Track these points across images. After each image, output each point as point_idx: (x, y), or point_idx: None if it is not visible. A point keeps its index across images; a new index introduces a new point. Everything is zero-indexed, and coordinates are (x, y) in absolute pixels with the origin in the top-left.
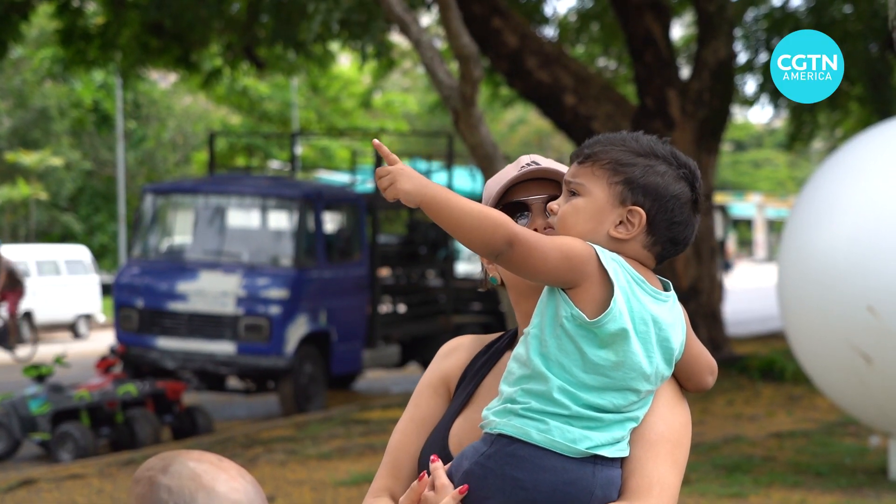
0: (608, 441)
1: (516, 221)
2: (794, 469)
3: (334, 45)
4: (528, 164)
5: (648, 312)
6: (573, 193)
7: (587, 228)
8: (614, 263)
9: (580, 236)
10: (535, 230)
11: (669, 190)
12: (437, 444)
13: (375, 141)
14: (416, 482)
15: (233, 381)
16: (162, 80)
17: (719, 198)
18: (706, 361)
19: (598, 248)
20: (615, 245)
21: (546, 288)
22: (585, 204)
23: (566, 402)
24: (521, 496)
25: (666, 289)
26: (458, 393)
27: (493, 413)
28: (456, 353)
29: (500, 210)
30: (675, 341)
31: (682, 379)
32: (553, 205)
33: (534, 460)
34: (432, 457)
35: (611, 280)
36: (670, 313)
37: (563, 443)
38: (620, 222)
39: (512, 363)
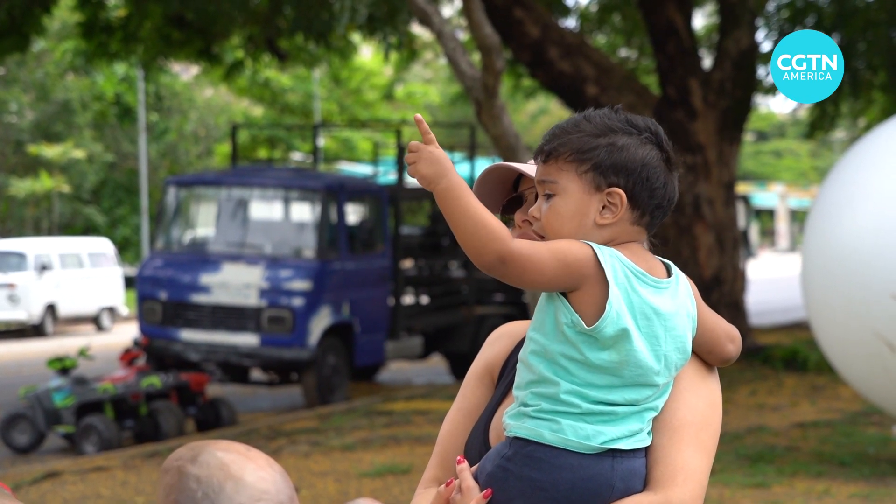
0: (624, 434)
1: (515, 214)
2: (817, 459)
3: (356, 37)
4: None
5: (649, 305)
6: (548, 195)
7: (573, 225)
8: (612, 259)
9: (570, 235)
10: (526, 220)
11: (638, 159)
12: (477, 436)
13: (417, 116)
14: (442, 486)
15: (256, 373)
16: (184, 72)
17: (741, 188)
18: (724, 331)
19: (596, 246)
20: (605, 231)
21: (544, 293)
22: (563, 202)
23: (576, 401)
24: (540, 497)
25: (669, 271)
26: (499, 383)
27: (509, 416)
28: (500, 341)
29: (504, 207)
30: (682, 329)
31: (703, 353)
32: (533, 211)
33: (550, 460)
34: (458, 458)
35: (608, 278)
36: (673, 301)
37: (576, 440)
38: (603, 207)
39: (520, 366)
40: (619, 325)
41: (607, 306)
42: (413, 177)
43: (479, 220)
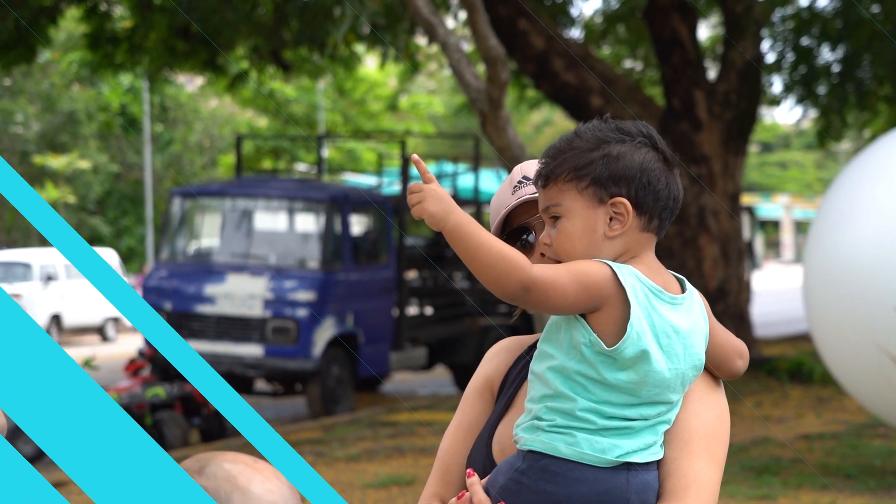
0: (639, 447)
1: (522, 242)
2: (823, 471)
3: (360, 48)
4: (520, 182)
5: (669, 324)
6: (555, 218)
7: (585, 244)
8: (631, 278)
9: (583, 253)
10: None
11: (635, 164)
12: (480, 450)
13: (415, 156)
14: (453, 499)
15: (260, 384)
16: (188, 83)
17: (746, 199)
18: (733, 347)
19: (615, 266)
20: (616, 243)
21: None
22: (571, 223)
23: (592, 418)
24: None
25: (683, 286)
26: (500, 397)
27: (521, 429)
28: (499, 356)
29: (506, 238)
30: (698, 346)
31: (712, 368)
32: (544, 238)
33: (566, 473)
34: (468, 471)
35: (629, 298)
36: (689, 316)
37: (592, 454)
38: (611, 219)
39: (533, 378)
40: (639, 347)
41: (629, 327)
42: (420, 217)
43: (497, 251)
